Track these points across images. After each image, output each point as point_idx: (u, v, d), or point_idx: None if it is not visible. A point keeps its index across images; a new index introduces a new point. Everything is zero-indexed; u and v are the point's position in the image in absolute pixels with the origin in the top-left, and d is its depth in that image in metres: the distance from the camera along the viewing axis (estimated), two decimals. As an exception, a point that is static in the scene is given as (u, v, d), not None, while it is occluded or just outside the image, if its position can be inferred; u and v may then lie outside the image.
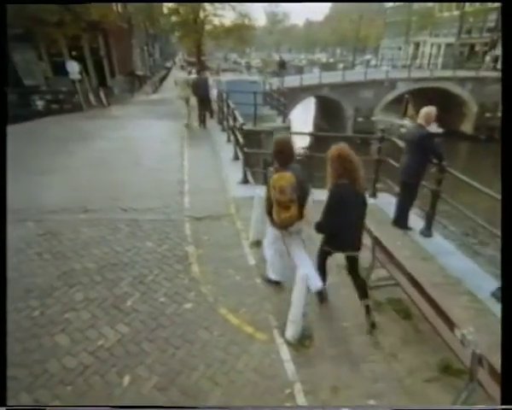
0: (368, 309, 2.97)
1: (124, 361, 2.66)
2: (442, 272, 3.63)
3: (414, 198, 4.31)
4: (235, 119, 6.50)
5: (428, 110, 3.95)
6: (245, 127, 5.34)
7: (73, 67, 15.15)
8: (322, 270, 3.17)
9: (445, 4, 38.89)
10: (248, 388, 2.48)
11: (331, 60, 58.60)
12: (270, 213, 3.09)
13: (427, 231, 4.30)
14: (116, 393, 2.44)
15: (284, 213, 2.96)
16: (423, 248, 4.07)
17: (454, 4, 37.01)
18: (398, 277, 3.04)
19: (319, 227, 2.97)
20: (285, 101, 11.41)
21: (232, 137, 7.30)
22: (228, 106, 7.78)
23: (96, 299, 3.22)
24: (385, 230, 4.24)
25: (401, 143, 4.58)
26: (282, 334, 2.90)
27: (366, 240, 3.54)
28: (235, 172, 6.04)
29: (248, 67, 45.88)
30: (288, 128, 10.71)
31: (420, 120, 4.00)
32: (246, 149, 5.31)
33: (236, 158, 6.65)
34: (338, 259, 3.70)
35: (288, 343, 2.81)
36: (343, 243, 2.94)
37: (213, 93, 12.50)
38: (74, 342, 2.79)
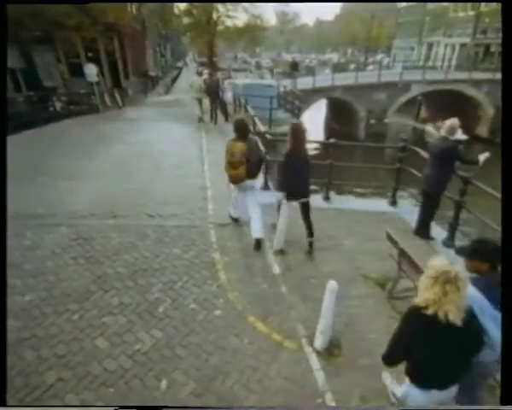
0: (311, 245, 4.20)
1: (160, 366, 2.79)
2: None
3: (436, 208, 4.35)
4: (254, 124, 6.61)
5: (452, 122, 3.99)
6: (268, 136, 5.43)
7: (91, 70, 15.50)
8: (305, 221, 4.23)
9: (460, 4, 38.26)
10: (281, 396, 2.58)
11: (342, 60, 58.25)
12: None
13: (449, 242, 4.33)
14: (155, 396, 2.57)
15: (233, 170, 4.09)
16: (448, 258, 4.10)
17: (469, 4, 36.39)
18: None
19: (278, 184, 4.20)
20: (300, 104, 11.47)
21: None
22: (246, 111, 7.90)
23: (131, 304, 3.37)
24: (407, 239, 4.28)
25: (424, 153, 4.62)
26: (311, 343, 2.99)
27: (392, 251, 3.65)
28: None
29: (258, 66, 45.96)
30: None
31: (444, 132, 4.04)
32: (268, 157, 5.41)
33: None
34: (366, 269, 3.80)
35: (317, 352, 2.90)
36: (296, 193, 4.02)
37: (228, 96, 12.68)
38: (113, 346, 2.93)
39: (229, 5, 29.31)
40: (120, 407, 2.58)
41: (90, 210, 4.98)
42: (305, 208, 4.14)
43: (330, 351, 2.91)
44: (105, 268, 3.81)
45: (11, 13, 13.94)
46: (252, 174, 4.17)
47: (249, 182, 4.21)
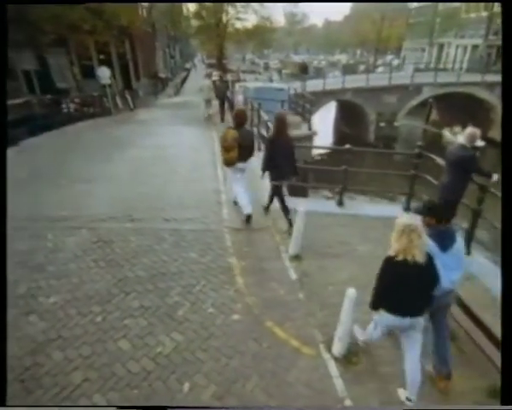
0: (290, 223, 4.65)
1: (182, 369, 2.86)
2: (488, 294, 3.66)
3: (453, 216, 4.34)
4: (268, 130, 6.68)
5: (472, 132, 3.99)
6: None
7: (104, 73, 15.75)
8: (275, 196, 4.92)
9: (472, 5, 37.77)
10: (300, 401, 2.63)
11: (351, 61, 58.02)
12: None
13: (466, 249, 4.32)
14: (178, 398, 2.64)
15: (226, 154, 4.74)
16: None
17: (482, 5, 35.94)
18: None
19: (264, 167, 4.72)
20: (311, 108, 11.50)
21: (263, 147, 7.46)
22: (259, 116, 7.97)
23: (151, 307, 3.45)
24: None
25: (440, 161, 4.63)
26: (328, 350, 3.03)
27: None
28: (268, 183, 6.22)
29: (267, 67, 46.06)
30: (315, 135, 10.83)
31: (463, 141, 4.04)
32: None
33: (268, 168, 6.82)
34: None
35: (336, 359, 2.94)
36: (281, 175, 4.66)
37: (239, 99, 12.77)
38: (135, 348, 3.02)
39: (240, 7, 29.54)
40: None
41: (109, 213, 5.09)
42: (282, 197, 4.91)
43: (348, 358, 2.94)
44: (125, 271, 3.91)
45: (29, 17, 14.36)
46: (243, 158, 4.84)
47: (241, 164, 4.89)
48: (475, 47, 37.89)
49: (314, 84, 20.24)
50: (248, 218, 4.92)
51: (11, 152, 8.07)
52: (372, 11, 48.39)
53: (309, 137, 10.44)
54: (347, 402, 2.61)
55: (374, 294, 2.61)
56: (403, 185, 5.93)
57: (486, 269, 4.12)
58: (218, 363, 2.92)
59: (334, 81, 21.88)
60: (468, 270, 4.09)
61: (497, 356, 2.45)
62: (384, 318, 2.58)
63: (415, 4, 48.30)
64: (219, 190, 5.95)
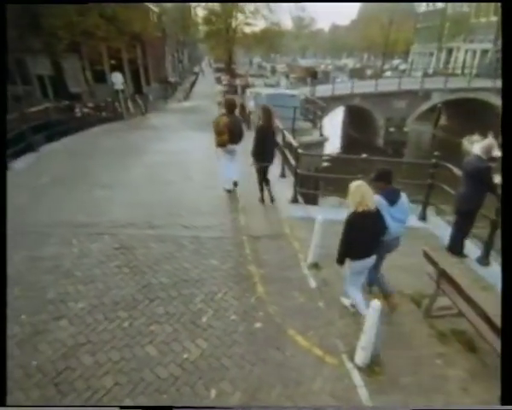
0: (272, 198, 5.83)
1: (208, 375, 2.93)
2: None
3: (470, 226, 4.38)
4: (284, 138, 6.77)
5: (489, 143, 4.03)
6: (300, 151, 5.56)
7: (118, 78, 16.06)
8: (261, 180, 5.86)
9: (482, 9, 37.58)
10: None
11: (358, 65, 57.94)
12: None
13: (484, 260, 4.35)
14: (205, 404, 2.72)
15: (218, 137, 5.65)
16: (481, 276, 4.13)
17: (492, 9, 35.74)
18: (463, 308, 3.16)
19: (252, 152, 5.64)
20: (322, 114, 11.58)
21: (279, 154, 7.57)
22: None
23: (175, 314, 3.54)
24: (441, 257, 4.32)
25: (457, 171, 4.66)
26: (351, 359, 3.07)
27: (427, 268, 3.71)
28: (283, 190, 6.31)
29: (274, 71, 46.23)
30: (326, 141, 10.90)
31: (479, 152, 4.08)
32: (299, 171, 5.54)
33: (283, 175, 6.91)
34: (400, 285, 3.85)
35: (359, 369, 2.99)
36: (263, 159, 5.58)
37: (251, 104, 12.90)
38: (162, 354, 3.10)
39: (248, 12, 29.82)
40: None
41: (128, 220, 5.21)
42: (266, 169, 5.79)
43: (371, 368, 2.98)
44: (149, 278, 4.01)
45: (45, 24, 14.72)
46: (233, 141, 5.75)
47: (231, 146, 5.81)
48: (485, 52, 37.63)
49: (323, 90, 20.32)
50: (229, 191, 6.19)
51: (31, 158, 8.32)
52: (379, 15, 48.29)
53: (320, 144, 10.52)
54: (372, 412, 2.66)
55: (339, 252, 3.33)
56: (416, 193, 5.95)
57: (505, 280, 4.12)
58: (242, 370, 2.99)
59: (342, 86, 21.90)
60: (486, 280, 4.13)
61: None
62: (353, 265, 3.34)
63: (423, 9, 48.20)
64: (236, 198, 6.04)
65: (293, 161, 5.84)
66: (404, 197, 3.44)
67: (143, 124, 14.12)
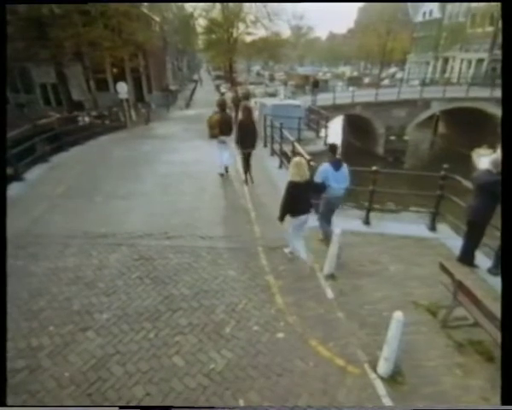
0: (252, 180, 7.24)
1: (235, 385, 3.01)
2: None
3: (481, 238, 4.50)
4: (294, 149, 6.95)
5: (497, 158, 4.16)
6: (313, 163, 5.69)
7: (123, 88, 16.22)
8: (245, 165, 7.28)
9: (478, 20, 38.37)
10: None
11: (355, 73, 58.63)
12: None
13: (495, 270, 4.46)
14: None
15: (211, 130, 7.34)
16: (493, 287, 4.24)
17: (487, 20, 36.50)
18: (480, 318, 3.26)
19: (236, 141, 7.00)
20: (326, 123, 11.78)
21: (287, 164, 7.73)
22: (282, 137, 8.28)
23: (198, 324, 3.62)
24: (451, 267, 4.44)
25: (466, 183, 4.81)
26: (373, 369, 3.16)
27: (441, 278, 3.82)
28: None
29: (272, 79, 46.66)
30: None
31: (489, 166, 4.22)
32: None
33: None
34: (415, 296, 3.95)
35: (382, 379, 3.07)
36: (245, 147, 6.92)
37: (255, 115, 13.08)
38: (190, 364, 3.18)
39: (249, 22, 30.29)
40: (122, 407, 2.80)
41: (145, 230, 5.31)
42: (249, 155, 7.16)
43: (394, 378, 3.07)
44: (170, 289, 4.09)
45: (53, 36, 14.91)
46: (224, 133, 7.28)
47: (222, 137, 7.35)
48: (480, 61, 38.33)
49: (324, 99, 20.61)
50: (221, 175, 7.74)
51: (43, 169, 8.41)
52: (376, 25, 49.04)
53: (325, 153, 10.60)
54: (397, 421, 2.74)
55: (281, 211, 4.32)
56: (422, 203, 6.08)
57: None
58: (268, 380, 3.07)
59: (343, 95, 22.19)
60: (498, 290, 4.24)
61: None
62: (293, 221, 4.41)
63: (420, 18, 49.05)
64: (248, 208, 6.14)
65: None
66: (344, 167, 4.80)
67: (149, 133, 14.24)
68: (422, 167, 21.11)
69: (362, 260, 4.72)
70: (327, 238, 4.84)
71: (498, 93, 22.38)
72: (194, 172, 8.08)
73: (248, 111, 7.08)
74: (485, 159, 4.49)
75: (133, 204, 6.29)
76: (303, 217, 4.36)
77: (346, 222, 5.53)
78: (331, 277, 4.35)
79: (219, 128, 7.16)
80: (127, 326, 3.56)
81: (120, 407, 2.83)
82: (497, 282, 4.36)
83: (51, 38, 15.19)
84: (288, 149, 8.11)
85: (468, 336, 3.49)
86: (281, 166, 8.31)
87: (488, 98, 22.01)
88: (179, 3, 37.54)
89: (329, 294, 4.10)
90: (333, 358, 3.29)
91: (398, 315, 2.98)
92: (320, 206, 5.05)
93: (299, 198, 4.24)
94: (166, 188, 7.07)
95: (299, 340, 3.49)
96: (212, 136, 7.42)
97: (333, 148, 4.87)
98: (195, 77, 53.28)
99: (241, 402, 2.88)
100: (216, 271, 4.45)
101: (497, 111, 21.81)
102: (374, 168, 5.26)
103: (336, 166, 4.65)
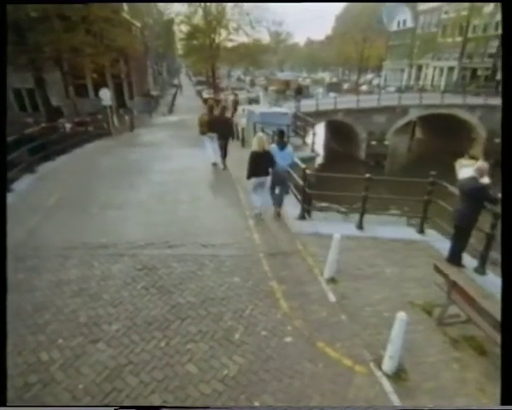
0: (224, 166, 9.07)
1: (249, 389, 3.11)
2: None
3: (468, 240, 4.83)
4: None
5: (481, 165, 4.51)
6: (309, 171, 5.90)
7: (106, 94, 15.99)
8: (222, 153, 9.02)
9: (448, 30, 40.42)
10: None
11: (334, 79, 60.17)
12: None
13: (481, 269, 4.80)
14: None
15: (201, 128, 8.90)
16: (481, 285, 4.56)
17: (457, 30, 38.50)
18: (473, 315, 3.53)
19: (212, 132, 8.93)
20: (314, 131, 12.11)
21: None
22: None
23: (208, 332, 3.69)
24: (445, 268, 4.72)
25: (452, 188, 5.14)
26: (379, 367, 3.35)
27: (434, 278, 4.09)
28: (289, 207, 6.61)
29: (253, 84, 47.07)
30: (317, 157, 11.41)
31: (474, 173, 4.56)
32: (308, 190, 5.88)
33: (286, 192, 7.22)
34: (411, 296, 4.17)
35: (387, 376, 3.26)
36: (220, 138, 8.74)
37: (243, 121, 13.25)
38: (203, 371, 3.25)
39: (232, 29, 30.59)
40: (121, 407, 2.87)
41: (145, 240, 5.32)
42: (225, 145, 8.97)
43: (398, 375, 3.27)
44: (176, 298, 4.14)
45: (32, 42, 14.52)
46: (211, 130, 8.76)
47: (210, 134, 8.83)
48: (451, 69, 40.42)
49: (307, 105, 21.05)
50: (214, 164, 9.17)
51: (31, 179, 8.20)
52: (353, 32, 50.61)
53: (312, 159, 10.98)
54: (405, 415, 2.93)
55: (248, 172, 5.87)
56: (411, 207, 6.38)
57: (499, 287, 4.57)
58: (281, 383, 3.19)
59: (325, 102, 22.76)
60: (485, 288, 4.57)
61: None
62: (254, 180, 5.90)
63: (394, 27, 51.07)
64: (246, 215, 6.26)
65: (299, 181, 6.17)
66: (289, 148, 6.28)
67: (136, 141, 14.11)
68: (401, 170, 21.98)
69: (359, 264, 4.94)
70: (278, 205, 6.30)
71: (470, 100, 23.78)
72: (188, 180, 8.12)
73: (223, 108, 9.25)
74: (467, 169, 4.82)
75: (130, 214, 6.27)
76: (261, 178, 5.90)
77: (340, 227, 5.76)
78: (332, 280, 4.54)
79: (208, 127, 8.73)
80: (137, 336, 3.59)
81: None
82: (484, 280, 4.72)
83: (30, 42, 14.79)
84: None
85: (462, 332, 3.75)
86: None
87: (461, 105, 23.25)
88: (160, 9, 37.45)
89: (331, 297, 4.28)
90: (340, 359, 3.45)
91: (401, 315, 3.18)
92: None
93: (258, 163, 5.78)
94: (162, 197, 7.07)
95: (306, 343, 3.63)
96: (202, 132, 8.97)
97: (280, 133, 6.31)
98: (175, 81, 52.94)
99: (256, 405, 2.99)
100: (220, 278, 4.53)
101: (469, 117, 23.10)
102: (367, 176, 5.52)
103: (281, 147, 6.10)
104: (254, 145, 5.76)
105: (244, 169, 6.05)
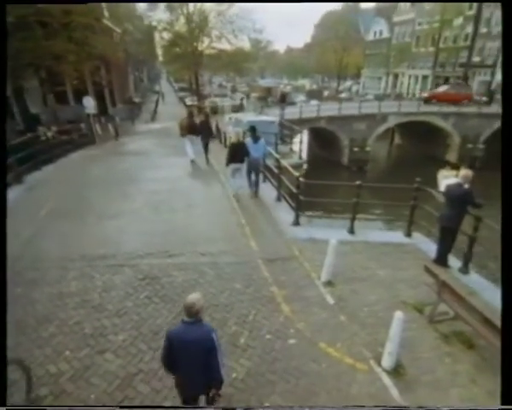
0: (207, 161, 10.66)
1: (259, 391, 3.24)
2: (489, 306, 4.41)
3: (453, 242, 5.16)
4: (279, 165, 7.36)
5: (466, 173, 4.86)
6: (302, 179, 6.10)
7: (89, 102, 15.79)
8: (205, 147, 10.67)
9: (422, 41, 42.33)
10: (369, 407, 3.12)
11: (314, 86, 61.47)
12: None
13: (465, 269, 5.14)
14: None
15: (182, 130, 10.36)
16: (465, 284, 4.88)
17: (430, 41, 40.39)
18: (461, 312, 3.80)
19: (198, 135, 10.58)
20: (301, 139, 12.47)
21: (272, 180, 8.18)
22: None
23: (214, 337, 3.79)
24: (435, 269, 5.01)
25: (435, 194, 5.50)
26: (378, 364, 3.56)
27: (424, 278, 4.37)
28: (282, 213, 6.82)
29: (234, 91, 47.38)
30: (305, 164, 11.72)
31: (459, 179, 4.91)
32: (302, 198, 6.10)
33: (278, 199, 7.43)
34: (403, 296, 4.41)
35: (387, 372, 3.47)
36: (203, 138, 10.42)
37: (229, 129, 13.39)
38: (213, 376, 3.35)
39: (215, 37, 30.80)
40: (121, 407, 2.97)
41: (145, 250, 5.35)
42: (207, 143, 10.56)
43: (397, 370, 3.49)
44: (180, 305, 4.18)
45: (11, 49, 14.14)
46: (192, 133, 10.20)
47: (190, 136, 10.24)
48: (425, 77, 42.33)
49: (291, 113, 21.50)
50: (192, 161, 10.40)
51: (19, 190, 8.01)
52: (331, 41, 51.97)
53: (300, 166, 11.23)
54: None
55: (227, 159, 7.28)
56: (397, 212, 6.70)
57: (484, 286, 4.92)
58: (288, 384, 3.33)
59: (307, 109, 23.27)
60: (470, 286, 4.89)
61: None
62: (231, 166, 7.27)
63: (371, 37, 52.93)
64: (242, 223, 6.38)
65: (293, 188, 6.38)
66: (262, 141, 7.63)
67: (122, 149, 13.96)
68: (382, 175, 22.78)
69: (353, 267, 5.17)
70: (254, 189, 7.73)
71: (444, 108, 24.98)
72: (181, 189, 8.17)
73: (207, 117, 11.25)
74: (447, 180, 5.21)
75: (127, 224, 6.26)
76: (238, 165, 7.27)
77: (333, 232, 6.00)
78: (329, 284, 4.74)
79: (188, 130, 10.20)
80: (145, 345, 3.65)
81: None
82: (468, 280, 5.05)
83: (10, 49, 14.41)
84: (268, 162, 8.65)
85: (451, 328, 4.02)
86: (264, 181, 8.67)
87: (436, 113, 24.40)
88: (140, 14, 37.13)
89: (330, 299, 4.47)
90: (342, 358, 3.63)
91: (398, 314, 3.41)
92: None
93: (236, 152, 7.17)
94: (157, 206, 7.08)
95: (309, 344, 3.79)
96: (183, 135, 10.40)
97: (253, 129, 7.72)
98: (157, 88, 52.50)
99: (267, 405, 3.12)
100: (222, 285, 4.64)
101: (444, 124, 24.26)
102: (358, 183, 5.79)
103: (255, 140, 7.51)
104: (233, 138, 7.56)
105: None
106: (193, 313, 2.40)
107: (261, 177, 8.27)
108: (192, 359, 2.40)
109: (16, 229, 5.78)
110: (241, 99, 30.00)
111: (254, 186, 7.70)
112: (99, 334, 3.74)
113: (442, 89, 29.46)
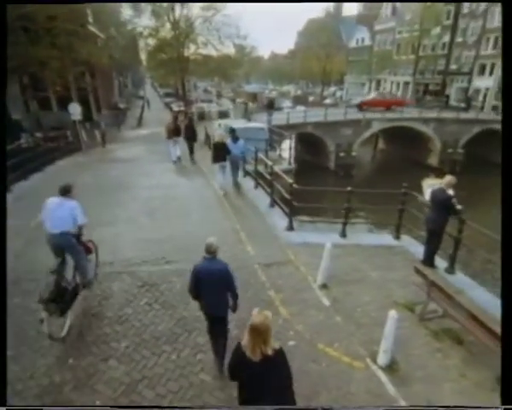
0: (193, 160, 12.05)
1: (262, 392, 3.35)
2: (474, 303, 4.67)
3: (439, 243, 5.43)
4: (271, 172, 7.52)
5: (450, 179, 5.15)
6: (295, 186, 6.27)
7: (75, 109, 15.60)
8: (189, 151, 12.17)
9: (402, 49, 43.74)
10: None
11: (299, 92, 62.39)
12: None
13: (451, 269, 5.42)
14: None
15: (167, 133, 11.67)
16: (452, 283, 5.14)
17: (410, 49, 41.79)
18: (450, 310, 4.03)
19: (183, 136, 12.16)
20: (291, 145, 12.68)
21: (265, 186, 8.33)
22: (256, 157, 8.85)
23: (216, 341, 3.88)
24: (424, 269, 5.23)
25: (421, 198, 5.78)
26: (374, 361, 3.73)
27: (414, 278, 4.59)
28: (276, 218, 6.97)
29: (219, 96, 47.56)
30: (293, 170, 11.94)
31: (443, 185, 5.19)
32: (296, 204, 6.27)
33: (272, 205, 7.57)
34: (395, 296, 4.61)
35: (382, 369, 3.64)
36: (189, 139, 11.97)
37: (218, 132, 13.48)
38: (217, 379, 3.45)
39: (201, 43, 30.93)
40: (120, 407, 3.06)
41: (142, 257, 5.38)
42: (192, 145, 11.97)
43: (391, 367, 3.67)
44: (181, 311, 4.28)
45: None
46: (176, 135, 11.60)
47: (175, 138, 11.58)
48: (406, 83, 43.70)
49: (278, 119, 21.82)
50: (178, 159, 11.72)
51: (7, 200, 7.80)
52: (314, 47, 52.91)
53: (290, 171, 11.45)
54: (402, 402, 3.30)
55: (212, 158, 8.51)
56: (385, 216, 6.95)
57: (469, 284, 5.20)
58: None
59: (294, 115, 23.66)
60: (456, 285, 5.15)
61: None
62: (217, 164, 8.38)
63: (353, 44, 54.30)
64: (237, 229, 6.49)
65: (286, 195, 6.56)
66: (241, 141, 8.75)
67: (110, 156, 13.84)
68: (368, 178, 23.36)
69: (347, 270, 5.36)
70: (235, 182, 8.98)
71: (425, 114, 25.91)
72: (175, 197, 8.20)
73: (191, 121, 13.09)
74: (431, 188, 5.53)
75: (122, 231, 6.26)
76: (222, 162, 8.24)
77: (326, 236, 6.18)
78: (324, 286, 4.90)
79: (174, 132, 11.45)
80: (148, 351, 3.70)
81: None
82: (454, 279, 5.31)
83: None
84: (260, 168, 8.83)
85: (441, 325, 4.24)
86: (256, 187, 8.82)
87: (417, 118, 25.29)
88: (124, 19, 36.86)
89: (326, 301, 4.63)
90: (340, 357, 3.79)
91: (392, 314, 3.60)
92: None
93: (219, 151, 8.19)
94: (152, 213, 7.10)
95: (308, 345, 3.93)
96: (169, 137, 11.56)
97: (232, 131, 8.91)
98: (141, 93, 52.08)
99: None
100: (220, 290, 4.72)
101: (425, 129, 25.15)
102: (349, 189, 6.01)
103: (234, 140, 8.69)
104: (216, 138, 8.80)
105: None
106: (212, 251, 3.32)
107: (241, 174, 9.57)
108: (217, 284, 3.29)
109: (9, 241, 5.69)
110: (228, 109, 30.16)
111: (235, 177, 9.05)
112: (101, 341, 3.78)
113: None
